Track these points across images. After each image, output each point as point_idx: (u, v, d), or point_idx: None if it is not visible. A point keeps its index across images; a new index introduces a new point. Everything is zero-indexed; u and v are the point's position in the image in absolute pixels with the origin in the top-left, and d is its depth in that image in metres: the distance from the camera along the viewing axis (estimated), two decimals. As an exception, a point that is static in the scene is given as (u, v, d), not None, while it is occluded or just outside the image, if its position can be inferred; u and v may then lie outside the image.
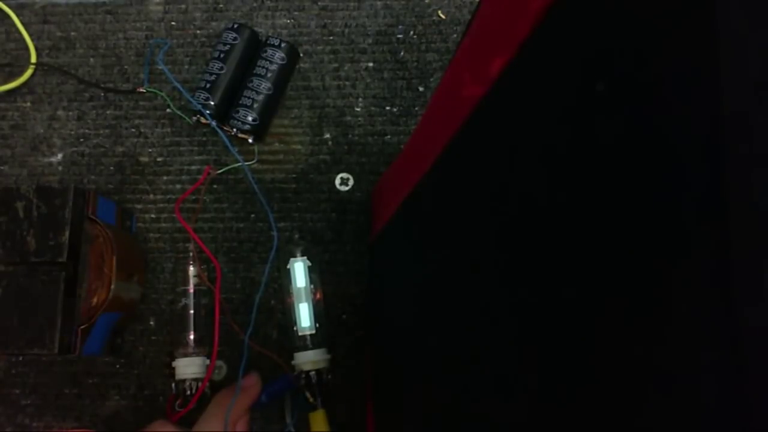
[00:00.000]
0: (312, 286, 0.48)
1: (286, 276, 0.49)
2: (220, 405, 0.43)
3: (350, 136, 0.54)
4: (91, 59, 0.55)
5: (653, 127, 0.13)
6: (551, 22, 0.17)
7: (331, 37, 0.55)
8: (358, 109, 0.54)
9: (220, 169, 0.52)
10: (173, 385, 0.47)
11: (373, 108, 0.54)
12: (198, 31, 0.55)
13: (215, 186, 0.53)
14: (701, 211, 0.11)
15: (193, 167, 0.53)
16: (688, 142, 0.12)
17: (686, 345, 0.11)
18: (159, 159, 0.53)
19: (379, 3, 0.55)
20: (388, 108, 0.54)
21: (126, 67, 0.55)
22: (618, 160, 0.14)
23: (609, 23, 0.15)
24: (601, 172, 0.15)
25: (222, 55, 0.51)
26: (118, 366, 0.50)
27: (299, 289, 0.48)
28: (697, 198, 0.12)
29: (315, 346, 0.47)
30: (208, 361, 0.47)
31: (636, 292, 0.13)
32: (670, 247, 0.12)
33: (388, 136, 0.53)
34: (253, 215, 0.52)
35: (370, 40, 0.55)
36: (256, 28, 0.53)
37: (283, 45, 0.51)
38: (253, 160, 0.52)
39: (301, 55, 0.54)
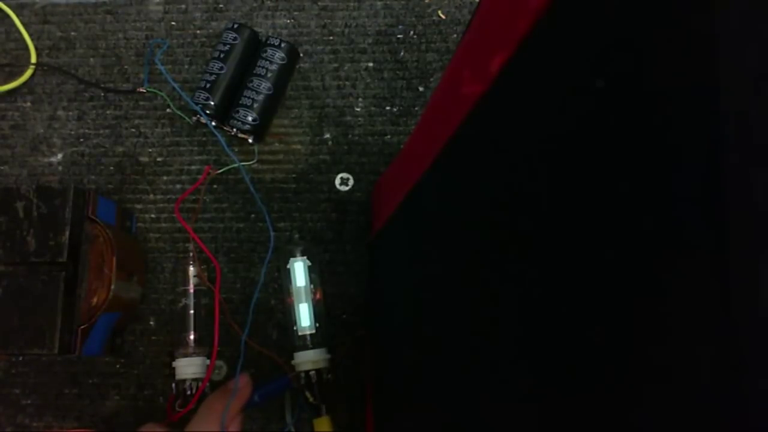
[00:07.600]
0: (312, 286, 0.48)
1: (286, 276, 0.49)
2: (210, 408, 0.43)
3: (350, 136, 0.54)
4: (91, 59, 0.55)
5: (652, 124, 0.13)
6: (551, 19, 0.17)
7: (331, 37, 0.55)
8: (358, 109, 0.54)
9: (220, 169, 0.52)
10: (173, 385, 0.47)
11: (373, 108, 0.54)
12: (198, 31, 0.55)
13: (215, 186, 0.53)
14: (700, 208, 0.11)
15: (193, 167, 0.53)
16: (686, 139, 0.12)
17: (685, 339, 0.11)
18: (159, 159, 0.53)
19: (379, 3, 0.55)
20: (388, 108, 0.54)
21: (126, 67, 0.55)
22: (617, 157, 0.14)
23: (608, 20, 0.15)
24: (600, 169, 0.15)
25: (222, 55, 0.51)
26: (118, 366, 0.50)
27: (299, 288, 0.48)
28: (696, 195, 0.12)
29: (315, 346, 0.47)
30: (208, 361, 0.47)
31: (635, 288, 0.13)
32: (669, 243, 0.12)
33: (388, 136, 0.54)
34: (252, 215, 0.52)
35: (370, 40, 0.55)
36: (256, 28, 0.53)
37: (283, 45, 0.51)
38: (253, 160, 0.52)
39: (301, 55, 0.54)
